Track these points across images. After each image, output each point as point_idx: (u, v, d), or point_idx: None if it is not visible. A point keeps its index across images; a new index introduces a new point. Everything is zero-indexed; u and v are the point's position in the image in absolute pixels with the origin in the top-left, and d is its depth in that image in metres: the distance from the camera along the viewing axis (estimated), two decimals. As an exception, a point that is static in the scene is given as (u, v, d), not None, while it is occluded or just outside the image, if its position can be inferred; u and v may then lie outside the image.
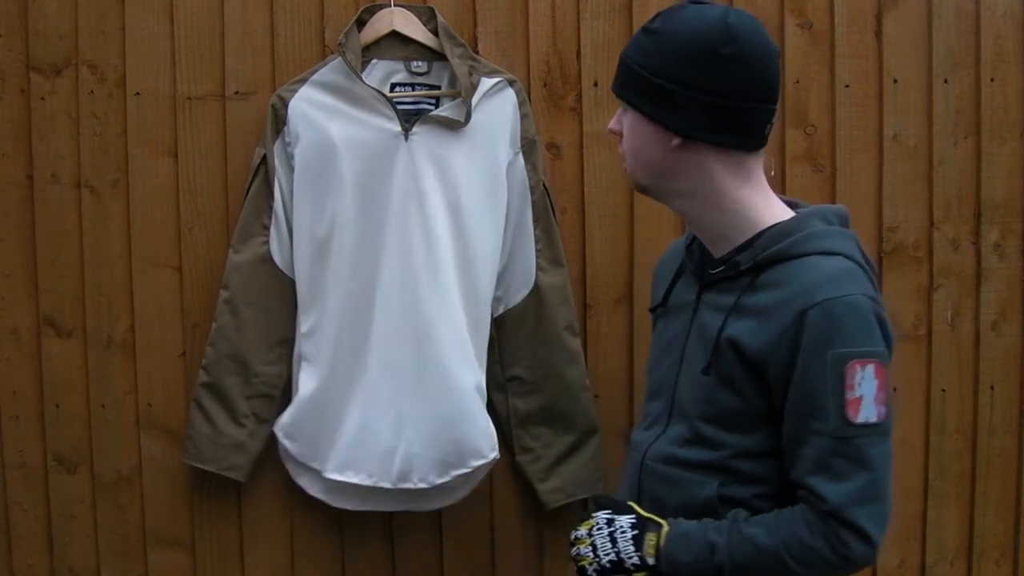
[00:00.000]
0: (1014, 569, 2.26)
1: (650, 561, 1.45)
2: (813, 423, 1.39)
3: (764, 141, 1.51)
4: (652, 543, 1.46)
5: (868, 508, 1.39)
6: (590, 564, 1.49)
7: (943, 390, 2.22)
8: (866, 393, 1.39)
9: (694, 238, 1.62)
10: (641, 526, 1.48)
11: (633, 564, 1.46)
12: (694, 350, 1.54)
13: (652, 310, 1.71)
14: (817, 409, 1.39)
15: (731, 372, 1.46)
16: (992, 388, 2.23)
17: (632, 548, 1.46)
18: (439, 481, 2.05)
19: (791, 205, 1.56)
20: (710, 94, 1.45)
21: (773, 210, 1.52)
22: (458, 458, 2.04)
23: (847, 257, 1.46)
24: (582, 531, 1.52)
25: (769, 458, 1.47)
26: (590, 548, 1.49)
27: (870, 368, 1.39)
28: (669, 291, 1.66)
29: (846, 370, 1.38)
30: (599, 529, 1.50)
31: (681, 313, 1.60)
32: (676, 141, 1.48)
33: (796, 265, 1.45)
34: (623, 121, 1.54)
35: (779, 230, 1.48)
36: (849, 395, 1.38)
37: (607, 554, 1.47)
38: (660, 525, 1.47)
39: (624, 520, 1.49)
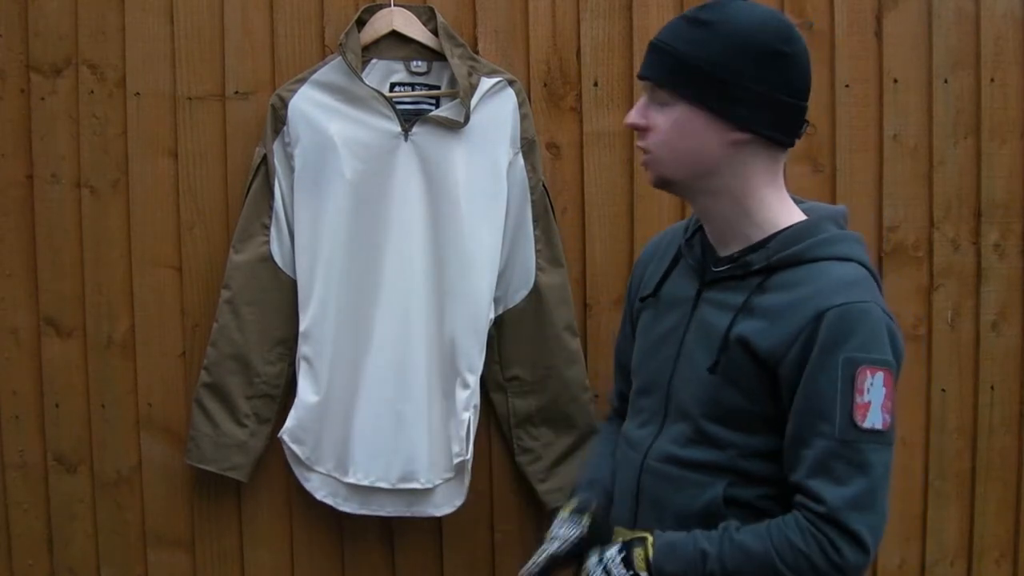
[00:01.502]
0: (1014, 569, 2.26)
1: None
2: (819, 424, 1.38)
3: (797, 140, 1.52)
4: (641, 557, 1.43)
5: (865, 515, 1.37)
6: None
7: (943, 390, 2.22)
8: (874, 399, 1.38)
9: (695, 232, 1.60)
10: (628, 547, 1.46)
11: None
12: (695, 348, 1.52)
13: (642, 299, 1.66)
14: (824, 411, 1.38)
15: (739, 372, 1.45)
16: (992, 388, 2.23)
17: (623, 570, 1.43)
18: (439, 480, 2.07)
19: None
20: (772, 90, 1.44)
21: (789, 212, 1.52)
22: (447, 458, 2.07)
23: (861, 264, 1.47)
24: None
25: (777, 459, 1.45)
26: None
27: (880, 375, 1.39)
28: (661, 282, 1.62)
29: (857, 374, 1.37)
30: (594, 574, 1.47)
31: (677, 308, 1.57)
32: (737, 136, 1.45)
33: (811, 269, 1.44)
34: (659, 115, 1.47)
35: (793, 233, 1.48)
36: (858, 399, 1.37)
37: None
38: (644, 538, 1.45)
39: (612, 551, 1.47)
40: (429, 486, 2.07)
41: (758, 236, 1.49)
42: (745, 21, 1.45)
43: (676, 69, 1.45)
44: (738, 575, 1.40)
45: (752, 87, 1.44)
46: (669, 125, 1.47)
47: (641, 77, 1.51)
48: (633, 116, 1.51)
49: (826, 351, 1.38)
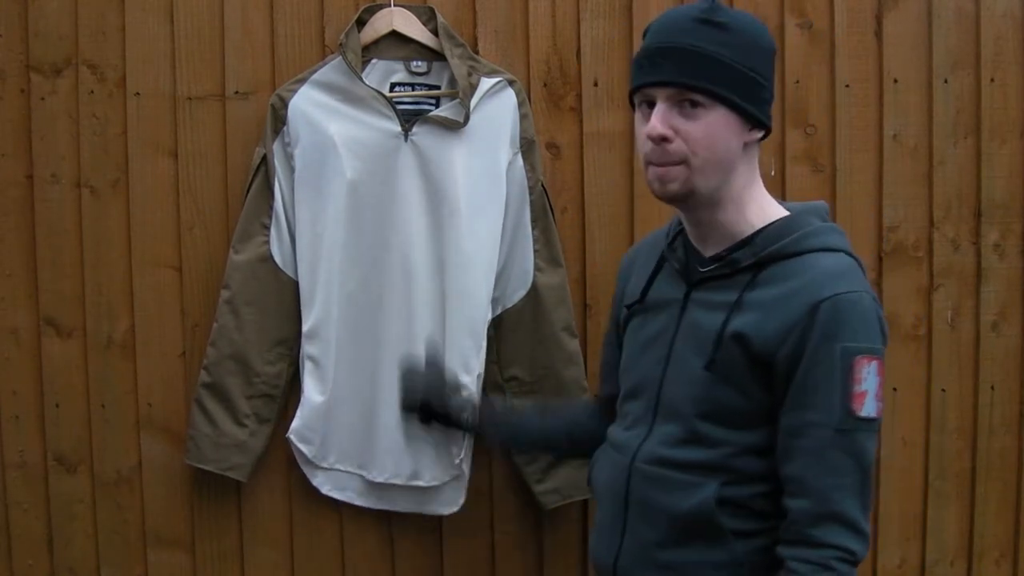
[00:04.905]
0: (1014, 569, 2.26)
1: None
2: (815, 415, 1.40)
3: None
4: None
5: (859, 501, 1.40)
6: None
7: (943, 390, 2.22)
8: (869, 389, 1.40)
9: (676, 235, 1.61)
10: None
11: None
12: (686, 349, 1.52)
13: (629, 307, 1.65)
14: (823, 401, 1.40)
15: (734, 368, 1.46)
16: (992, 388, 2.23)
17: None
18: (445, 479, 2.09)
19: None
20: (772, 87, 1.49)
21: (774, 207, 1.54)
22: (449, 458, 2.08)
23: (847, 254, 1.48)
24: None
25: (771, 455, 1.46)
26: None
27: (874, 365, 1.41)
28: (647, 288, 1.62)
29: (854, 364, 1.39)
30: None
31: (664, 311, 1.58)
32: (753, 135, 1.47)
33: (800, 261, 1.46)
34: (689, 122, 1.41)
35: (779, 227, 1.49)
36: (856, 388, 1.40)
37: None
38: None
39: None
40: (435, 484, 2.10)
41: (744, 234, 1.50)
42: (750, 21, 1.48)
43: (713, 72, 1.40)
44: None
45: (768, 86, 1.48)
46: (703, 131, 1.42)
47: (664, 83, 1.42)
48: (659, 127, 1.41)
49: (823, 342, 1.39)
